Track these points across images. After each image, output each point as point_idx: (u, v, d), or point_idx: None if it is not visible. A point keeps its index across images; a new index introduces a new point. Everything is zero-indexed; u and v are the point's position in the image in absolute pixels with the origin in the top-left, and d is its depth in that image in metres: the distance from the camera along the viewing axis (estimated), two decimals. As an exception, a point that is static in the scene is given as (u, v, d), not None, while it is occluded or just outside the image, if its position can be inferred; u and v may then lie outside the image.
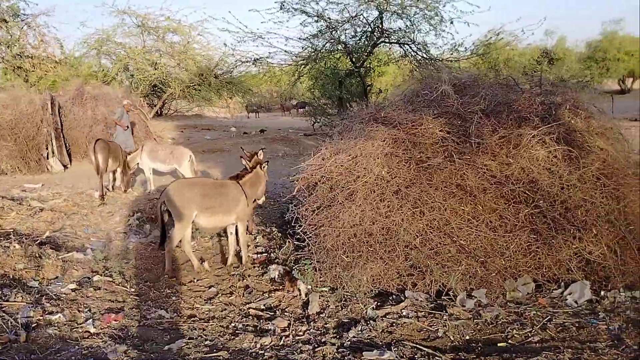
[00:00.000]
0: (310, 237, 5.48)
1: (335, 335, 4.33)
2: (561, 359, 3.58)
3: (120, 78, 23.82)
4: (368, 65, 19.54)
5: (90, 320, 4.54)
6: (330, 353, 3.95)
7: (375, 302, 4.89)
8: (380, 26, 17.64)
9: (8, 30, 20.63)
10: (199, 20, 32.52)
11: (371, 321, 4.46)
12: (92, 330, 4.35)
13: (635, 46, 35.62)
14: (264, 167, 6.72)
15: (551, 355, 3.63)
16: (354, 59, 18.85)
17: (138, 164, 10.76)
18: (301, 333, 4.46)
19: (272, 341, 4.29)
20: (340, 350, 3.99)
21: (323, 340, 4.23)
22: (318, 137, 15.05)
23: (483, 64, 19.29)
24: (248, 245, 6.92)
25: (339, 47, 18.66)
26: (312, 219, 5.48)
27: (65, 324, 4.40)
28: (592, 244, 4.92)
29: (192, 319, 4.93)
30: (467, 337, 4.13)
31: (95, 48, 23.73)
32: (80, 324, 4.47)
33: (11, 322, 4.20)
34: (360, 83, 19.69)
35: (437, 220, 5.01)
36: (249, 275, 6.11)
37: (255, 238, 7.54)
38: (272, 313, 5.00)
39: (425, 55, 18.11)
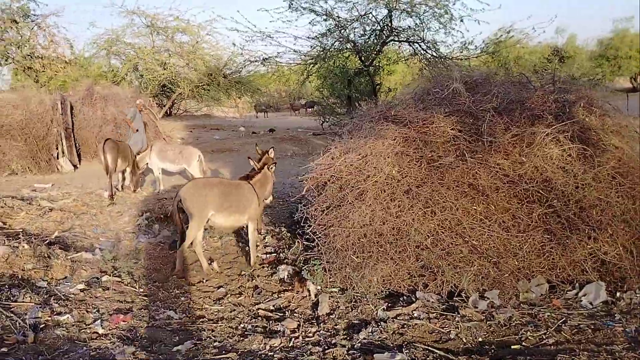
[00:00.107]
0: (319, 237, 5.43)
1: (345, 336, 4.27)
2: (577, 362, 3.50)
3: (129, 78, 23.89)
4: (377, 64, 19.46)
5: (99, 321, 4.51)
6: (340, 355, 3.89)
7: (386, 303, 4.83)
8: (390, 24, 17.56)
9: (18, 31, 20.76)
10: (207, 20, 32.49)
11: (382, 322, 4.39)
12: (101, 331, 4.33)
13: (648, 43, 35.22)
14: (271, 167, 6.79)
15: (566, 358, 3.55)
16: (363, 58, 18.77)
17: (147, 163, 10.76)
18: (311, 334, 4.40)
19: (281, 342, 4.23)
20: (350, 352, 3.93)
21: (333, 341, 4.18)
22: (327, 136, 14.98)
23: (493, 62, 19.13)
24: (257, 246, 6.90)
25: (348, 45, 18.59)
26: (321, 219, 5.43)
27: (73, 325, 4.37)
28: (607, 244, 4.84)
29: (201, 319, 4.89)
30: (480, 339, 4.05)
31: (105, 48, 23.81)
32: (89, 324, 4.45)
33: (19, 323, 4.19)
34: (369, 82, 19.61)
35: (448, 220, 4.93)
36: (258, 276, 6.07)
37: (264, 238, 7.50)
38: (282, 314, 4.95)
39: (434, 54, 18.01)
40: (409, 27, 17.79)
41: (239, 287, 5.80)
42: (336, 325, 4.54)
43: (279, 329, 4.54)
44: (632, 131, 5.58)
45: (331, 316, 4.75)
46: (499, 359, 3.65)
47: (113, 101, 16.34)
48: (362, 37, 18.57)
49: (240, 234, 7.65)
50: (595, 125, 5.38)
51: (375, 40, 18.50)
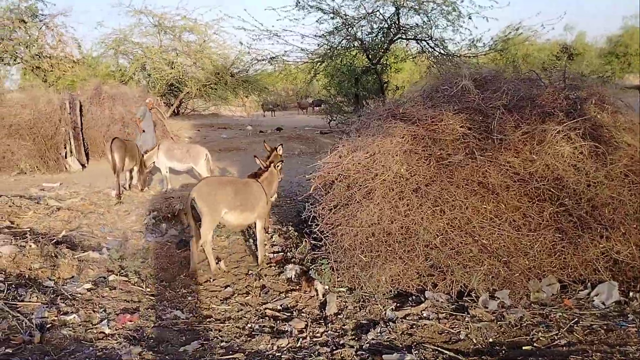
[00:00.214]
0: (327, 236, 5.39)
1: (353, 337, 4.22)
2: (590, 364, 3.44)
3: (137, 77, 23.94)
4: (385, 62, 19.40)
5: (105, 320, 4.48)
6: (349, 356, 3.85)
7: (395, 303, 4.78)
8: (397, 22, 17.51)
9: (27, 31, 20.84)
10: (214, 19, 32.67)
11: (390, 323, 4.34)
12: (107, 331, 4.30)
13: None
14: (277, 166, 6.83)
15: (579, 359, 3.49)
16: (370, 56, 18.72)
17: (154, 162, 10.76)
18: (319, 335, 4.36)
19: (289, 343, 4.19)
20: (359, 352, 3.89)
21: (341, 342, 4.13)
22: (334, 134, 14.96)
23: (501, 59, 19.02)
24: (264, 245, 6.89)
25: (355, 43, 18.55)
26: (329, 218, 5.38)
27: (80, 325, 4.35)
28: (620, 243, 4.76)
29: (208, 319, 4.86)
30: (491, 340, 3.99)
31: (113, 48, 23.89)
32: (95, 324, 4.42)
33: (26, 323, 4.17)
34: (376, 80, 19.55)
35: (458, 219, 4.87)
36: (266, 275, 6.04)
37: (271, 237, 7.47)
38: (289, 314, 4.91)
39: (442, 52, 17.93)
40: (417, 24, 17.76)
41: (246, 287, 5.77)
42: (344, 325, 4.50)
43: (286, 329, 4.50)
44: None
45: (339, 316, 4.70)
46: (510, 360, 3.60)
47: (121, 100, 16.38)
48: (370, 35, 18.55)
49: (247, 233, 7.63)
50: (607, 122, 5.31)
51: (383, 38, 18.46)
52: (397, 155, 5.23)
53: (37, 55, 21.09)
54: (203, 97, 28.41)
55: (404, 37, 18.54)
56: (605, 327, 3.98)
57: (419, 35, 18.13)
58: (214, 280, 6.03)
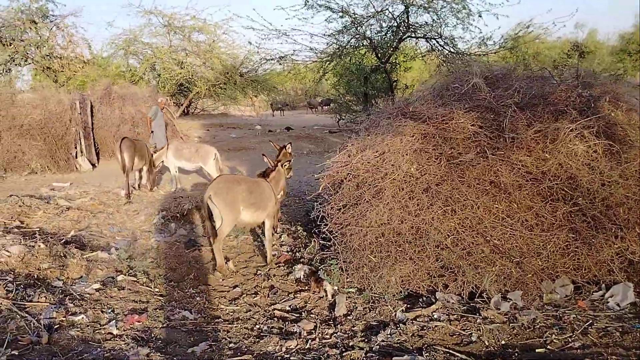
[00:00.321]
0: (336, 236, 5.35)
1: (363, 338, 4.16)
2: (605, 367, 3.36)
3: (147, 78, 24.02)
4: (394, 61, 19.34)
5: (114, 321, 4.46)
6: (358, 357, 3.80)
7: (405, 304, 4.72)
8: (406, 21, 17.44)
9: (37, 32, 20.98)
10: (224, 19, 32.71)
11: (401, 324, 4.28)
12: (115, 331, 4.27)
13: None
14: (284, 165, 6.88)
15: (594, 362, 3.41)
16: (379, 55, 18.67)
17: (163, 162, 10.77)
18: (328, 336, 4.31)
19: (297, 344, 4.15)
20: (368, 354, 3.83)
21: (351, 344, 4.08)
22: (343, 133, 14.94)
23: (511, 57, 18.88)
24: (273, 245, 6.90)
25: (364, 42, 18.50)
26: (338, 218, 5.34)
27: (88, 325, 4.33)
28: (635, 244, 4.67)
29: (216, 320, 4.83)
30: (503, 342, 3.91)
31: (123, 48, 23.99)
32: (103, 325, 4.40)
33: (34, 323, 4.15)
34: (386, 79, 19.48)
35: (469, 218, 4.80)
36: (274, 275, 6.00)
37: (280, 237, 7.43)
38: (298, 315, 4.87)
39: (452, 50, 17.83)
40: (426, 23, 17.70)
41: (254, 287, 5.74)
42: (354, 326, 4.44)
43: (295, 330, 4.46)
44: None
45: (348, 317, 4.65)
46: (523, 363, 3.53)
47: (131, 100, 16.46)
48: (379, 34, 18.49)
49: (255, 232, 7.60)
50: (622, 120, 5.21)
51: (392, 37, 18.40)
52: (407, 154, 5.16)
53: (47, 55, 21.24)
54: (212, 97, 28.48)
55: (413, 35, 18.47)
56: (620, 330, 3.89)
57: (429, 34, 18.05)
58: (222, 280, 6.00)
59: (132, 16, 40.93)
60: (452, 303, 4.61)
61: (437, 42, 18.14)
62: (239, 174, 11.66)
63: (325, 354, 3.90)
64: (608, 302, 4.42)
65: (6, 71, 20.82)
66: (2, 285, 4.73)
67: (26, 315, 4.28)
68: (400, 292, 4.90)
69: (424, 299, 4.79)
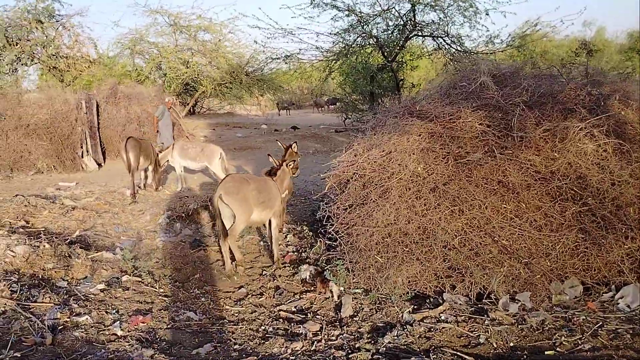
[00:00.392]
0: (342, 236, 5.30)
1: (369, 340, 4.12)
2: (616, 370, 3.30)
3: (153, 77, 24.04)
4: (400, 59, 19.26)
5: (118, 322, 4.44)
6: (364, 360, 3.75)
7: (412, 306, 4.66)
8: (413, 19, 17.36)
9: (44, 31, 21.02)
10: (229, 18, 32.68)
11: (408, 326, 4.22)
12: (119, 332, 4.25)
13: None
14: (289, 164, 6.89)
15: (604, 365, 3.36)
16: (385, 53, 18.60)
17: (168, 161, 10.77)
18: (334, 338, 4.26)
19: (303, 346, 4.11)
20: (375, 356, 3.78)
21: (357, 345, 4.03)
22: (350, 133, 14.88)
23: (519, 56, 18.76)
24: (279, 245, 6.89)
25: (371, 41, 18.44)
26: (344, 218, 5.29)
27: (92, 326, 4.31)
28: (646, 244, 4.58)
29: (221, 321, 4.80)
30: (512, 344, 3.85)
31: (129, 47, 24.00)
32: (108, 326, 4.37)
33: (38, 324, 4.13)
34: (392, 78, 19.40)
35: (477, 219, 4.74)
36: (280, 276, 5.97)
37: (285, 237, 7.40)
38: (304, 316, 4.83)
39: (459, 48, 17.73)
40: (433, 21, 17.60)
41: (260, 288, 5.71)
42: (360, 328, 4.40)
43: (300, 331, 4.42)
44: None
45: (355, 318, 4.61)
46: (533, 366, 3.47)
47: (137, 100, 16.50)
48: (385, 33, 18.43)
49: (261, 233, 7.57)
50: (632, 119, 5.15)
51: (398, 35, 18.32)
52: (414, 154, 5.11)
53: (53, 55, 21.27)
54: (218, 96, 28.49)
55: (419, 34, 18.39)
56: (631, 332, 3.82)
57: (435, 32, 17.96)
58: (227, 280, 5.98)
59: (138, 16, 41.15)
60: (460, 304, 4.55)
61: (444, 40, 18.06)
62: (244, 173, 11.63)
63: (332, 356, 3.86)
64: (618, 304, 4.35)
65: (13, 71, 20.88)
66: (6, 285, 4.72)
67: (30, 316, 4.27)
68: (407, 293, 4.85)
69: (431, 300, 4.74)
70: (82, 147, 14.10)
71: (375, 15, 17.46)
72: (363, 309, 4.78)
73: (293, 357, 3.91)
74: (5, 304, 4.40)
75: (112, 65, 23.82)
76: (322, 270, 5.59)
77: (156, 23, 23.79)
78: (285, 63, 20.24)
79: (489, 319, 4.20)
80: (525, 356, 3.65)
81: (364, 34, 18.11)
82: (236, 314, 4.98)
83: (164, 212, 8.39)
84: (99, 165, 14.37)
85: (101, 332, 4.23)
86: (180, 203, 8.93)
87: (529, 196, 4.78)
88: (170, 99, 13.59)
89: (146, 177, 10.86)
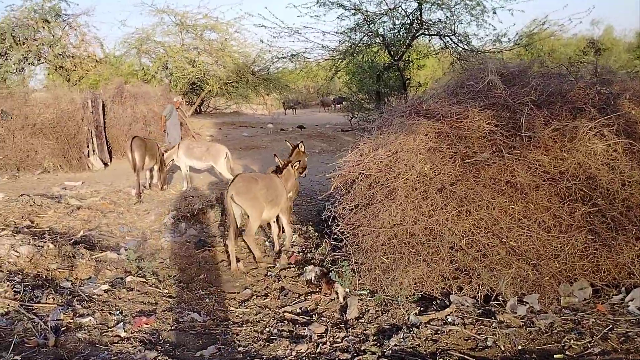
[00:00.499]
0: (348, 237, 5.26)
1: (375, 342, 4.06)
2: (627, 374, 3.24)
3: (159, 76, 24.07)
4: (407, 58, 19.20)
5: (121, 323, 4.40)
6: (370, 363, 3.69)
7: (418, 307, 4.61)
8: (420, 18, 17.30)
9: (50, 31, 21.09)
10: (235, 17, 32.75)
11: (414, 328, 4.16)
12: (123, 334, 4.21)
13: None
14: (294, 166, 7.00)
15: (615, 369, 3.29)
16: (392, 52, 18.55)
17: (173, 160, 10.75)
18: (339, 340, 4.20)
19: (308, 348, 4.05)
20: (381, 359, 3.72)
21: (362, 348, 3.97)
22: (356, 132, 14.88)
23: (526, 55, 18.66)
24: (283, 245, 6.93)
25: (377, 40, 18.40)
26: (349, 218, 5.25)
27: (95, 328, 4.27)
28: (657, 246, 4.51)
29: (226, 322, 4.75)
30: (520, 347, 3.79)
31: (136, 47, 24.06)
32: (111, 327, 4.34)
33: (41, 326, 4.10)
34: (398, 77, 19.35)
35: (484, 220, 4.68)
36: (285, 277, 5.92)
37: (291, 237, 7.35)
38: (309, 317, 4.78)
39: (466, 47, 17.65)
40: (440, 20, 17.54)
41: (265, 289, 5.65)
42: (365, 330, 4.34)
43: (305, 333, 4.35)
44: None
45: (360, 320, 4.55)
46: (541, 370, 3.41)
47: (143, 99, 16.50)
48: (391, 31, 18.37)
49: (266, 233, 7.53)
50: (643, 118, 5.07)
51: (405, 34, 18.26)
52: (420, 154, 5.05)
53: (60, 54, 21.34)
54: (224, 96, 28.52)
55: (426, 32, 18.32)
56: (642, 335, 3.75)
57: (442, 31, 17.89)
58: (232, 281, 5.95)
59: (144, 15, 41.27)
60: (467, 306, 4.50)
61: (451, 39, 17.98)
62: (250, 172, 11.60)
63: (337, 359, 3.81)
64: (628, 306, 4.29)
65: (19, 70, 20.96)
66: (10, 286, 4.70)
67: (33, 317, 4.24)
68: (414, 294, 4.79)
69: (438, 301, 4.68)
70: (88, 147, 14.12)
71: (382, 14, 17.42)
72: (369, 310, 4.72)
73: (298, 360, 3.86)
74: (9, 305, 4.37)
75: (118, 64, 23.89)
76: (327, 271, 5.55)
77: (163, 22, 23.88)
78: (292, 62, 20.23)
79: (496, 321, 4.14)
80: (533, 359, 3.58)
81: (370, 33, 18.06)
82: (241, 316, 4.93)
83: (169, 212, 8.37)
84: (105, 164, 14.39)
85: (104, 334, 4.19)
86: (186, 203, 8.90)
87: (537, 197, 4.72)
88: (179, 98, 13.59)
89: (152, 177, 10.85)
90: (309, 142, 16.73)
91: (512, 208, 4.70)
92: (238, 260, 6.42)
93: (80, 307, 4.64)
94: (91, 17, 49.58)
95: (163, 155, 10.56)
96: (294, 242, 7.16)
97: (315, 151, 15.76)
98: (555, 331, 3.95)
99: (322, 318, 4.73)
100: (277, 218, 6.88)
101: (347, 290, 5.11)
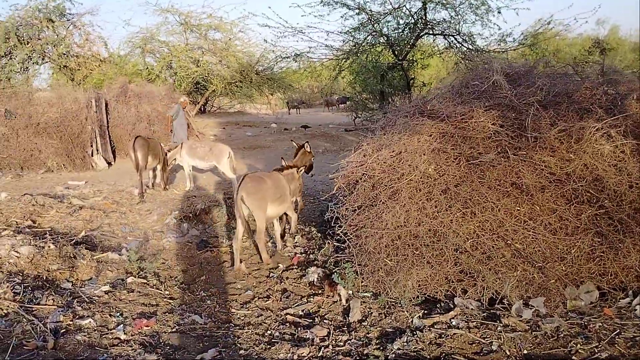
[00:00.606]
0: (351, 238, 5.20)
1: (378, 346, 4.01)
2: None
3: (163, 76, 24.08)
4: (411, 58, 19.15)
5: (121, 325, 4.35)
6: (373, 367, 3.64)
7: (422, 310, 4.56)
8: (424, 17, 17.25)
9: (54, 30, 21.13)
10: (239, 17, 32.66)
11: (418, 331, 4.11)
12: (123, 336, 4.16)
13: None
14: (300, 171, 7.24)
15: (622, 374, 3.23)
16: (396, 52, 18.50)
17: (175, 159, 10.73)
18: (342, 343, 4.15)
19: (310, 352, 4.01)
20: (384, 363, 3.68)
21: (365, 351, 3.93)
22: (359, 132, 14.80)
23: (531, 54, 18.57)
24: (285, 246, 7.01)
25: (381, 39, 18.37)
26: (352, 219, 5.19)
27: (95, 330, 4.23)
28: (664, 249, 4.44)
29: (227, 324, 4.70)
30: (525, 351, 3.74)
31: (140, 46, 24.08)
32: (111, 329, 4.29)
33: (40, 327, 4.06)
34: (402, 76, 19.30)
35: (489, 221, 4.61)
36: (287, 278, 5.87)
37: (294, 237, 7.30)
38: (311, 320, 4.72)
39: (471, 47, 17.58)
40: (444, 19, 17.51)
41: (266, 290, 5.60)
42: (368, 333, 4.29)
43: (307, 336, 4.30)
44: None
45: (363, 323, 4.50)
46: (547, 375, 3.36)
47: (147, 99, 16.52)
48: (396, 31, 18.33)
49: (269, 234, 7.49)
50: (651, 119, 4.98)
51: (409, 34, 18.22)
52: (424, 154, 4.99)
53: (64, 54, 21.39)
54: (228, 95, 28.55)
55: (431, 32, 18.28)
56: (650, 340, 3.69)
57: (447, 31, 17.84)
58: (234, 282, 5.90)
59: (148, 15, 41.28)
60: (472, 309, 4.44)
61: (455, 39, 17.93)
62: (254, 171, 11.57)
63: (339, 363, 3.76)
64: (636, 310, 4.22)
65: (24, 70, 20.99)
66: (9, 287, 4.66)
67: (33, 318, 4.21)
68: (417, 297, 4.74)
69: (442, 304, 4.63)
70: (92, 146, 14.11)
71: (386, 13, 17.37)
72: (372, 313, 4.66)
73: (299, 364, 3.81)
74: (8, 306, 4.34)
75: (122, 64, 23.91)
76: (330, 272, 5.49)
77: (167, 22, 23.90)
78: (295, 62, 20.22)
79: (501, 325, 4.09)
80: (539, 364, 3.54)
81: (374, 33, 18.02)
82: (242, 318, 4.88)
83: (172, 212, 8.33)
84: (109, 164, 14.38)
85: (104, 336, 4.15)
86: (188, 203, 8.87)
87: (543, 198, 4.65)
88: (185, 98, 13.59)
89: (154, 177, 10.83)
90: (313, 142, 16.65)
91: (518, 210, 4.64)
92: (241, 261, 6.38)
93: (80, 309, 4.60)
94: (95, 17, 49.90)
95: (166, 155, 10.53)
96: (296, 242, 7.12)
97: (319, 151, 15.71)
98: (562, 335, 3.89)
99: (325, 321, 4.68)
100: (280, 217, 7.02)
101: (350, 292, 5.05)
